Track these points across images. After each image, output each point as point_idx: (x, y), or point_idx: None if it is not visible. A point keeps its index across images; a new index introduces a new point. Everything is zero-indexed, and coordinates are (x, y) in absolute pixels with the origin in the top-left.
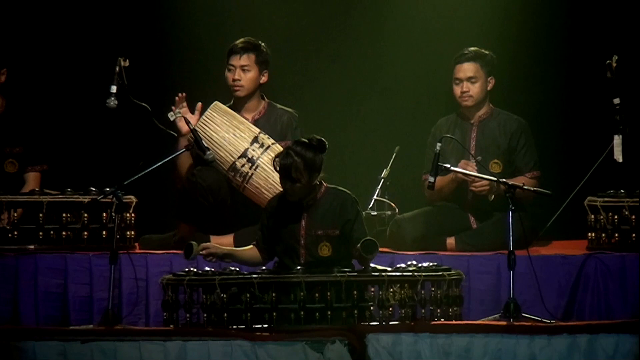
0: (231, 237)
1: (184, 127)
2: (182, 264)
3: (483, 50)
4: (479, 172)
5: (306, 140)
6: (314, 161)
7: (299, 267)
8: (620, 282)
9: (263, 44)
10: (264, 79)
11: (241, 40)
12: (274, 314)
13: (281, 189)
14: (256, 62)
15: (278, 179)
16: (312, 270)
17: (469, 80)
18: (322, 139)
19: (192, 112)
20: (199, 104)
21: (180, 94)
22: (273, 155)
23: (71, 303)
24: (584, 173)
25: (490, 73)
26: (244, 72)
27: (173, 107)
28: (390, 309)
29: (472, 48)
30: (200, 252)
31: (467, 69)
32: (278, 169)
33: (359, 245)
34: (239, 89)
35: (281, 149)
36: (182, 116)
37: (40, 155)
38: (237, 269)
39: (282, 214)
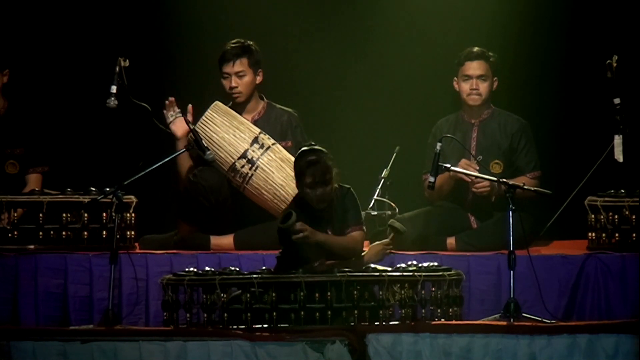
0: (231, 237)
1: (178, 130)
2: (182, 264)
3: (487, 51)
4: (480, 173)
5: (313, 144)
6: (331, 160)
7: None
8: (621, 282)
9: (252, 44)
10: (259, 79)
11: (230, 44)
12: (274, 314)
13: (280, 190)
14: (249, 65)
15: (277, 180)
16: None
17: (480, 78)
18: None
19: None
20: (189, 106)
21: (169, 99)
22: (273, 156)
23: (71, 303)
24: (584, 173)
25: (495, 74)
26: (239, 78)
27: (165, 111)
28: (391, 309)
29: (477, 48)
30: (296, 227)
31: (477, 66)
32: (309, 177)
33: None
34: (238, 95)
35: (282, 149)
36: (181, 116)
37: (41, 157)
38: (237, 268)
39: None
